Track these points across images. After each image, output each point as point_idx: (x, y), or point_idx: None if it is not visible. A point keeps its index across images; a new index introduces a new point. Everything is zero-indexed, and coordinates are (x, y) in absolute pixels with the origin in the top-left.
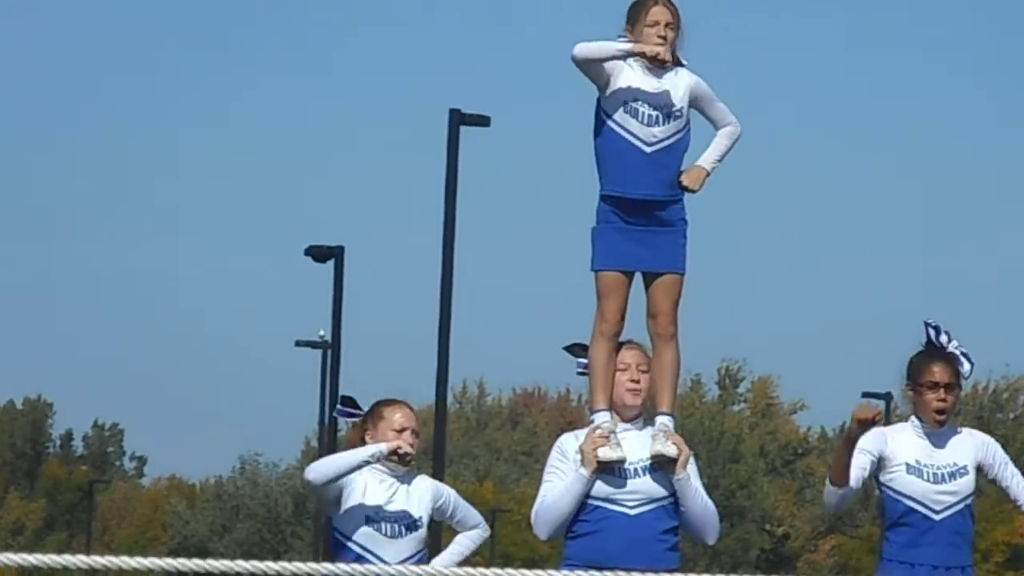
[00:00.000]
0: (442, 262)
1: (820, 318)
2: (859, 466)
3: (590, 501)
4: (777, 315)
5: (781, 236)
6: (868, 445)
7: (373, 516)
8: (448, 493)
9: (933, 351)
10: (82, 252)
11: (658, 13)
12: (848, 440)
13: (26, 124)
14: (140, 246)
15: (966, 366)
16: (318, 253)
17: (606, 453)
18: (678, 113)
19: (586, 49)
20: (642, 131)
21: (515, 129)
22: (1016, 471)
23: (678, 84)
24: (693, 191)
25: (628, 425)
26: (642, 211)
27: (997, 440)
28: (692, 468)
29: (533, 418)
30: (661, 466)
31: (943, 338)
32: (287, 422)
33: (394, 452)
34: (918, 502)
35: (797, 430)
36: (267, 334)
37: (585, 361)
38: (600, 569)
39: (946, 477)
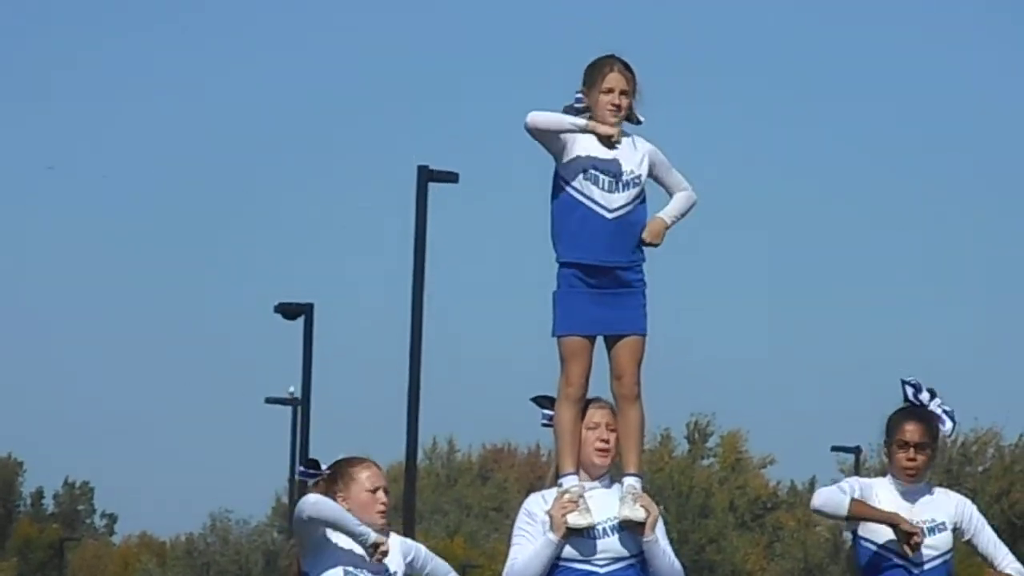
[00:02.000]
0: (411, 318)
1: (789, 372)
2: (842, 488)
3: (560, 562)
4: (745, 370)
5: (748, 290)
6: (852, 482)
7: (352, 570)
8: (417, 547)
9: (910, 409)
10: (50, 310)
11: (613, 80)
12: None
13: None
14: (108, 303)
15: (948, 425)
16: (288, 310)
17: (575, 519)
18: (636, 180)
19: (540, 119)
20: (604, 198)
21: (483, 185)
22: (992, 533)
23: (635, 151)
24: (655, 244)
25: (596, 483)
26: (604, 275)
27: (966, 494)
28: (660, 528)
29: (503, 474)
30: (629, 528)
31: (924, 396)
32: (257, 479)
33: (376, 548)
34: (898, 555)
35: (767, 484)
36: (237, 391)
37: (551, 413)
38: None
39: (925, 532)
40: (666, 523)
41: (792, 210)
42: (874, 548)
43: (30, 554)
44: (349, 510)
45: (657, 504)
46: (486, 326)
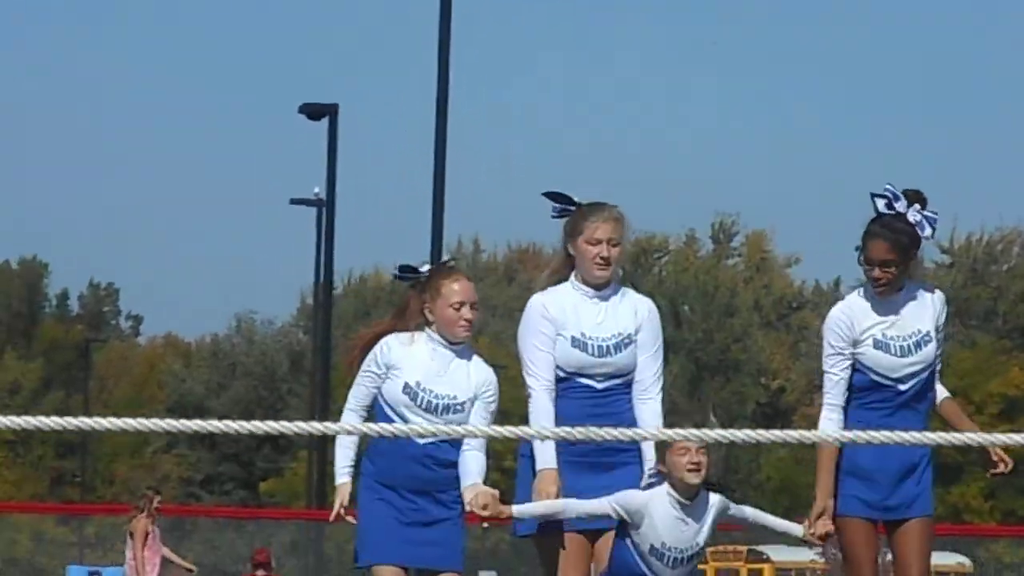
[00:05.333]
0: (436, 119)
1: (814, 171)
2: (840, 377)
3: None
4: (771, 169)
5: (774, 89)
6: (840, 342)
7: (413, 386)
8: (492, 398)
9: (878, 223)
10: (75, 109)
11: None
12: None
13: None
14: (133, 104)
15: (927, 230)
16: (312, 111)
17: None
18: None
19: None
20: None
21: None
22: (939, 344)
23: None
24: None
25: (594, 293)
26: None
27: (990, 292)
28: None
29: (528, 274)
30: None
31: (900, 204)
32: (282, 280)
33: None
34: (885, 376)
35: (791, 284)
36: (262, 192)
37: (560, 206)
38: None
39: (912, 348)
40: (691, 323)
41: (818, 6)
42: (862, 370)
43: (55, 355)
44: (433, 322)
45: (681, 304)
46: (511, 126)
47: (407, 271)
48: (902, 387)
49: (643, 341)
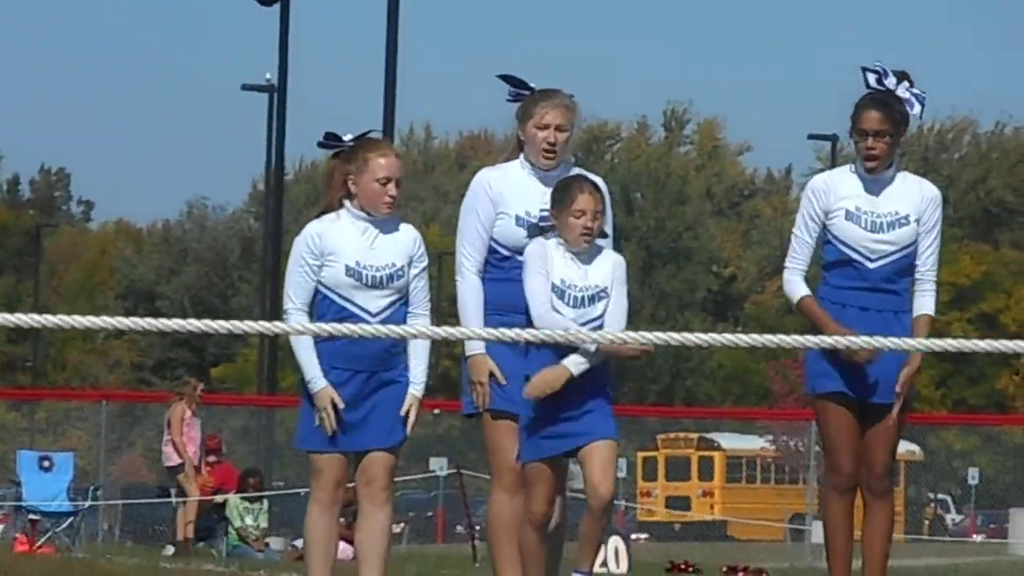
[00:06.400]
0: (388, 4)
1: (767, 59)
2: (809, 240)
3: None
4: (723, 56)
5: None
6: (812, 207)
7: (355, 267)
8: (423, 257)
9: (871, 96)
10: None
11: (584, 202)
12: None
13: None
14: None
15: (916, 108)
16: None
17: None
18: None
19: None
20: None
21: None
22: (937, 241)
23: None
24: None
25: (542, 173)
26: None
27: (942, 180)
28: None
29: (480, 161)
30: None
31: (890, 80)
32: (234, 166)
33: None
34: (853, 249)
35: (743, 172)
36: (213, 78)
37: (515, 90)
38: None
39: (884, 227)
40: (642, 210)
41: None
42: (832, 241)
43: (6, 240)
44: (356, 194)
45: (633, 191)
46: (463, 11)
47: (331, 139)
48: (870, 264)
49: None
